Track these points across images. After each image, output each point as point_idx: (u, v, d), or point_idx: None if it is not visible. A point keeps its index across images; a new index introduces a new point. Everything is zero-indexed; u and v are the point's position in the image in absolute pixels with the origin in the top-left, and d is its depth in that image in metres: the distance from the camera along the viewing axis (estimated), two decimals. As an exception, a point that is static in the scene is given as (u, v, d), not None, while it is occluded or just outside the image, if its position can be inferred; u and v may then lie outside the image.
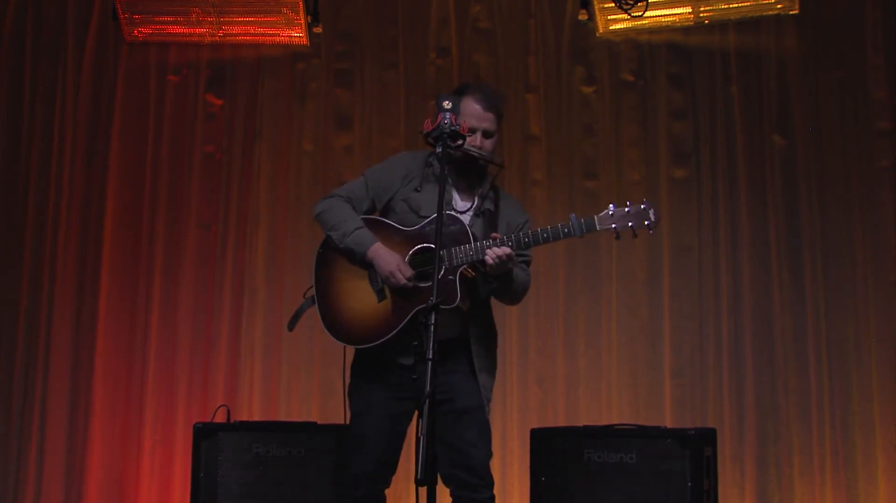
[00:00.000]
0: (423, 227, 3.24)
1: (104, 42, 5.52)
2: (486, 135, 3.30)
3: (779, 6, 5.05)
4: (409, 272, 3.17)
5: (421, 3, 5.50)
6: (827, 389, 4.88)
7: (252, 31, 5.41)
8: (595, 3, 5.08)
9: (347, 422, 3.34)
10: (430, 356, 2.59)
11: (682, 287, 5.12)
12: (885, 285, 4.90)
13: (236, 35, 5.43)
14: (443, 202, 2.88)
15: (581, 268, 5.23)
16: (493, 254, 3.11)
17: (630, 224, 3.19)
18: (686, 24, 5.19)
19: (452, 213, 3.26)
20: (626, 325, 5.14)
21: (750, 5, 5.06)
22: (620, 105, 5.31)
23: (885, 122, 5.01)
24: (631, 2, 4.88)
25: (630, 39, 5.31)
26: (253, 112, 5.50)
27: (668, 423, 4.83)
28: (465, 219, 3.27)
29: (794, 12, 5.04)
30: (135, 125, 5.49)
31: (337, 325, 3.27)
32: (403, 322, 3.18)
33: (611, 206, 3.21)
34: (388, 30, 5.51)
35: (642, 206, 3.20)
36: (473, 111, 3.27)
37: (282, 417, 5.13)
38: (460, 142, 3.04)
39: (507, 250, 3.12)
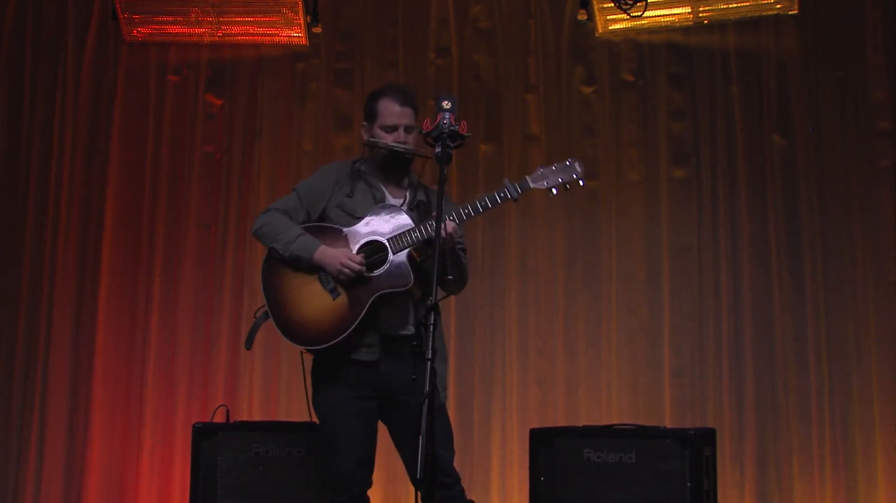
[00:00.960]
0: (362, 224, 3.33)
1: (104, 42, 5.52)
2: (407, 130, 3.40)
3: (778, 6, 5.05)
4: (359, 258, 3.25)
5: (421, 3, 5.50)
6: (827, 389, 4.88)
7: (252, 31, 5.41)
8: (594, 3, 5.08)
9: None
10: (430, 356, 2.60)
11: (682, 287, 5.12)
12: (885, 285, 4.90)
13: (236, 35, 5.43)
14: (442, 199, 2.88)
15: (581, 268, 5.23)
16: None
17: (560, 179, 3.35)
18: (686, 24, 5.19)
19: (390, 205, 3.37)
20: (626, 325, 5.14)
21: (749, 5, 5.06)
22: (620, 105, 5.31)
23: (885, 122, 5.01)
24: (630, 2, 4.87)
25: (630, 39, 5.31)
26: (253, 112, 5.50)
27: (668, 423, 4.82)
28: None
29: (793, 12, 5.04)
30: (135, 125, 5.49)
31: (296, 331, 3.33)
32: (362, 313, 3.23)
33: (539, 167, 3.38)
34: (388, 30, 5.51)
35: (567, 162, 3.38)
36: (391, 110, 3.39)
37: (282, 417, 5.12)
38: (459, 142, 3.05)
39: (452, 224, 3.19)
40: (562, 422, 4.99)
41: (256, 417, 5.14)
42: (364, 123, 3.48)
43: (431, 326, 2.64)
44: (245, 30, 5.40)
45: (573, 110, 5.35)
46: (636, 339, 5.12)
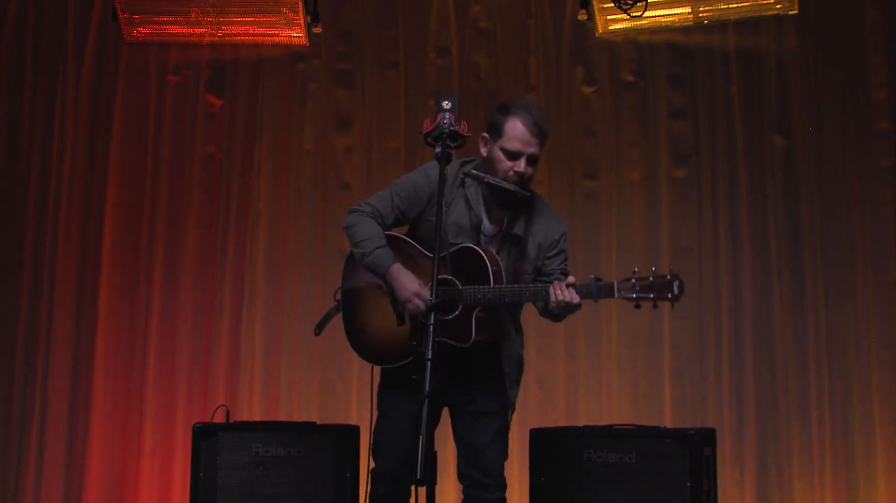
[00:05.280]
0: (445, 256, 3.08)
1: (104, 42, 5.52)
2: (531, 161, 3.14)
3: (778, 6, 5.05)
4: (428, 299, 2.95)
5: (421, 3, 5.50)
6: (827, 389, 4.88)
7: (252, 31, 5.42)
8: (595, 3, 5.08)
9: (373, 420, 3.35)
10: (430, 356, 2.59)
11: (681, 287, 5.11)
12: (885, 285, 4.90)
13: (236, 35, 5.44)
14: (442, 202, 2.87)
15: (581, 268, 5.20)
16: (557, 296, 2.98)
17: (651, 296, 2.94)
18: (686, 24, 5.20)
19: (473, 246, 3.14)
20: (626, 326, 5.13)
21: (750, 5, 5.07)
22: (620, 105, 5.31)
23: (885, 122, 5.01)
24: (630, 2, 4.87)
25: (630, 39, 5.31)
26: (253, 112, 5.51)
27: (668, 423, 4.82)
28: (493, 244, 3.19)
29: (793, 12, 5.05)
30: (135, 125, 5.49)
31: (360, 342, 3.29)
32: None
33: (635, 270, 2.97)
34: (388, 30, 5.51)
35: (668, 278, 2.94)
36: (520, 134, 3.11)
37: (282, 417, 5.13)
38: (460, 142, 3.03)
39: (576, 300, 2.98)
40: (562, 422, 4.99)
41: (256, 417, 5.14)
42: (485, 135, 3.20)
43: (431, 327, 2.63)
44: (245, 30, 5.41)
45: (573, 110, 5.35)
46: (636, 339, 5.12)
